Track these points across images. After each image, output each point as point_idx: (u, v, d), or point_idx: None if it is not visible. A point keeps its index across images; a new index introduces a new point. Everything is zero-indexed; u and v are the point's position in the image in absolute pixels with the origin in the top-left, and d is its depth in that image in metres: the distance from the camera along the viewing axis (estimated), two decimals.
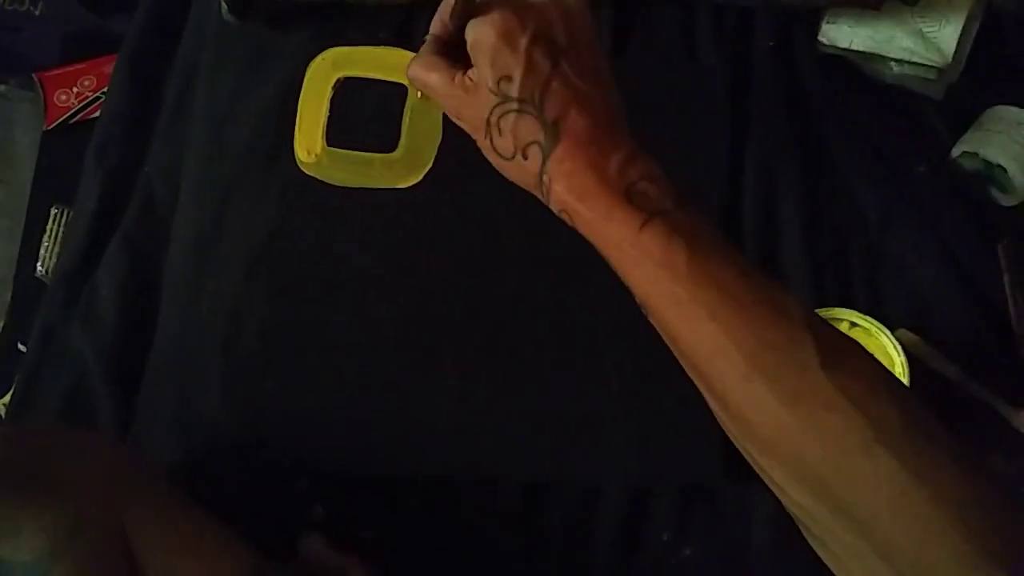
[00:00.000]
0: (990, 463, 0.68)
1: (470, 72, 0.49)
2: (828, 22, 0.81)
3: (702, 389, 0.46)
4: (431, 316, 0.70)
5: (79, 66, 0.83)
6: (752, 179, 0.76)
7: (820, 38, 0.81)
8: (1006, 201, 0.77)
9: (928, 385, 0.69)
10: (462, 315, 0.70)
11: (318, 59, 0.75)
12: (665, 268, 0.44)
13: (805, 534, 0.45)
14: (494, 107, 0.47)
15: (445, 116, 0.72)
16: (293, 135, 0.74)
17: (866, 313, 0.68)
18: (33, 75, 0.83)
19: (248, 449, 0.68)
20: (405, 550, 0.67)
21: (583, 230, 0.47)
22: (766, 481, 0.45)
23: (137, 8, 0.82)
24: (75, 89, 0.82)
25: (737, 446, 0.46)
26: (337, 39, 0.76)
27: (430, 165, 0.73)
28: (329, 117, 0.74)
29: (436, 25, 0.53)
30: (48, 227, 0.78)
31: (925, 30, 0.78)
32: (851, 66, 0.83)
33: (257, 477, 0.68)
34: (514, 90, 0.47)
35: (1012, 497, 0.40)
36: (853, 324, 0.68)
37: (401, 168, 0.73)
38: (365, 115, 0.74)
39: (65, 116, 0.81)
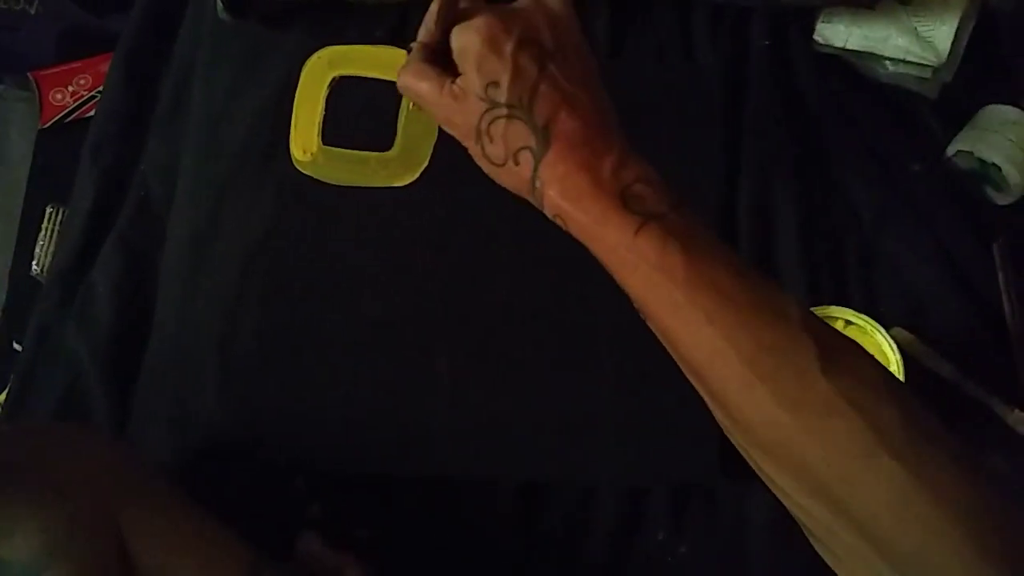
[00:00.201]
0: (988, 463, 0.69)
1: (459, 80, 0.49)
2: (823, 21, 0.81)
3: (702, 393, 0.46)
4: (427, 315, 0.70)
5: (74, 65, 0.83)
6: (748, 178, 0.77)
7: (815, 37, 0.82)
8: (1001, 200, 0.78)
9: (923, 384, 0.70)
10: (458, 314, 0.70)
11: (314, 58, 0.75)
12: (661, 272, 0.43)
13: (808, 535, 0.45)
14: (483, 113, 0.47)
15: None
16: (289, 134, 0.74)
17: (861, 312, 0.68)
18: (28, 74, 0.82)
19: (244, 448, 0.68)
20: (401, 549, 0.67)
21: (578, 235, 0.47)
22: (768, 484, 0.45)
23: (132, 7, 0.82)
24: (70, 88, 0.82)
25: (739, 449, 0.46)
26: (333, 38, 0.76)
27: (426, 164, 0.73)
28: (325, 116, 0.74)
29: (423, 32, 0.52)
30: (43, 226, 0.78)
31: (920, 29, 0.78)
32: (846, 65, 0.83)
33: (254, 476, 0.68)
34: (502, 95, 0.46)
35: (1011, 496, 0.40)
36: (848, 322, 0.68)
37: (397, 167, 0.73)
38: (361, 114, 0.74)
39: (60, 115, 0.81)
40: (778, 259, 0.75)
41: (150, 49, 0.80)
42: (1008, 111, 0.78)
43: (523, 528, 0.68)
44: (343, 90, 0.74)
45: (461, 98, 0.48)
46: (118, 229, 0.74)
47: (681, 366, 0.46)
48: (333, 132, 0.74)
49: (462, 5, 0.51)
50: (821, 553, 0.44)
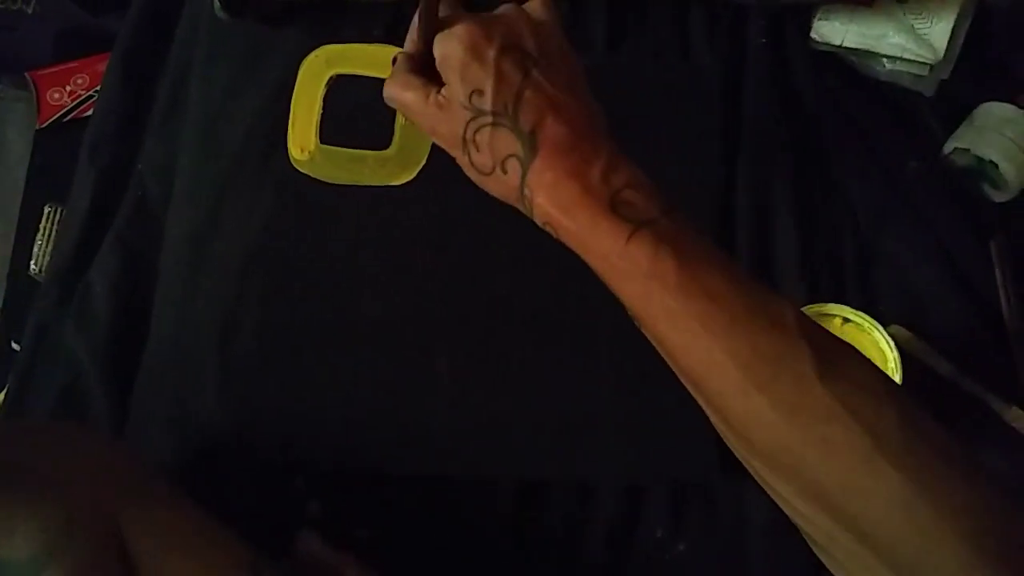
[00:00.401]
0: (987, 460, 0.69)
1: (443, 89, 0.48)
2: (820, 19, 0.81)
3: (699, 400, 0.46)
4: (426, 314, 0.70)
5: (72, 64, 0.83)
6: (746, 176, 0.77)
7: (812, 35, 0.82)
8: (998, 197, 0.78)
9: (921, 381, 0.70)
10: (457, 313, 0.70)
11: (311, 56, 0.75)
12: (654, 280, 0.43)
13: (808, 541, 0.45)
14: (468, 122, 0.47)
15: None
16: (287, 133, 0.73)
17: (859, 309, 0.68)
18: (26, 74, 0.82)
19: (243, 447, 0.68)
20: (401, 548, 0.67)
21: (568, 242, 0.46)
22: (767, 490, 0.44)
23: (130, 6, 0.82)
24: (68, 87, 0.82)
25: (737, 455, 0.46)
26: (330, 37, 0.76)
27: (423, 163, 0.73)
28: (323, 115, 0.74)
29: (408, 42, 0.52)
30: (41, 225, 0.78)
31: (917, 27, 0.78)
32: (843, 63, 0.83)
33: (253, 475, 0.68)
34: (487, 103, 0.46)
35: (1010, 495, 0.40)
36: (846, 320, 0.68)
37: (394, 166, 0.73)
38: (358, 112, 0.74)
39: (58, 114, 0.81)
40: (776, 257, 0.75)
41: (147, 49, 0.80)
42: (1005, 108, 0.78)
43: (522, 527, 0.68)
44: (341, 89, 0.74)
45: (446, 107, 0.48)
46: (116, 229, 0.74)
47: (677, 373, 0.46)
48: (331, 131, 0.74)
49: (442, 13, 0.50)
50: (822, 559, 0.44)
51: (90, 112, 0.80)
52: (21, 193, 0.80)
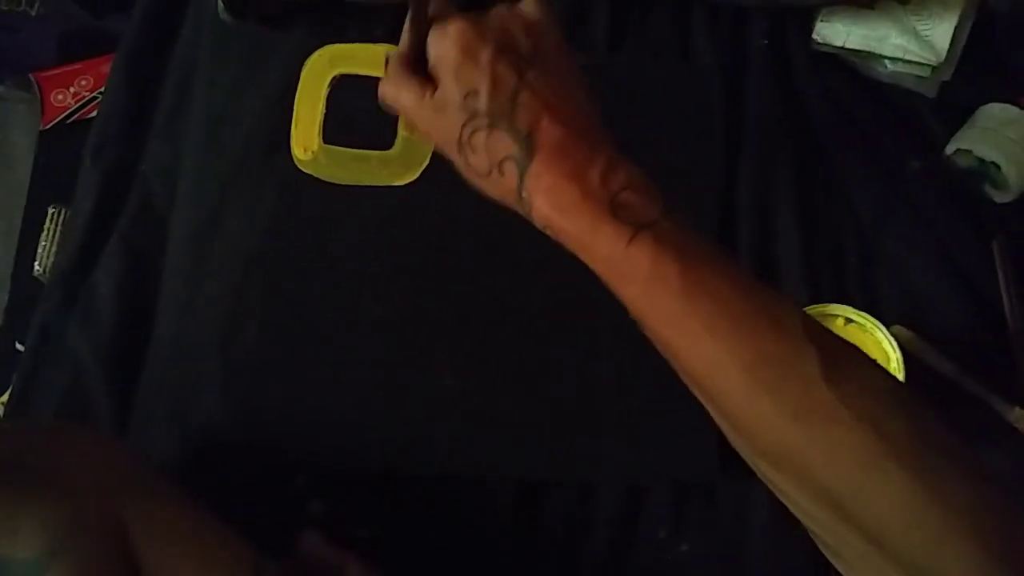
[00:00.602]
0: (990, 462, 0.69)
1: (438, 90, 0.48)
2: (822, 20, 0.81)
3: (704, 403, 0.45)
4: (428, 314, 0.70)
5: (76, 66, 0.83)
6: (747, 178, 0.77)
7: (814, 36, 0.82)
8: (1000, 198, 0.78)
9: (923, 382, 0.70)
10: (459, 313, 0.71)
11: (314, 56, 0.75)
12: (657, 283, 0.42)
13: (817, 542, 0.44)
14: (464, 124, 0.46)
15: None
16: (290, 133, 0.74)
17: (861, 310, 0.68)
18: (30, 75, 0.83)
19: (246, 446, 0.68)
20: (402, 548, 0.67)
21: (569, 245, 0.46)
22: (773, 490, 0.44)
23: (133, 7, 0.82)
24: (72, 89, 0.82)
25: (743, 457, 0.45)
26: (333, 37, 0.76)
27: (426, 163, 0.73)
28: (325, 115, 0.74)
29: (403, 41, 0.51)
30: (45, 226, 0.78)
31: (919, 28, 0.78)
32: (845, 64, 0.83)
33: (255, 475, 0.68)
34: (482, 105, 0.45)
35: (1015, 496, 0.39)
36: (848, 320, 0.68)
37: (397, 166, 0.73)
38: (361, 112, 0.74)
39: (62, 116, 0.81)
40: (778, 257, 0.75)
41: (151, 50, 0.80)
42: (1007, 109, 0.78)
43: (524, 527, 0.68)
44: (344, 89, 0.75)
45: (441, 109, 0.47)
46: (120, 230, 0.74)
47: (681, 375, 0.46)
48: (334, 131, 0.74)
49: (432, 11, 0.50)
50: (831, 559, 0.44)
51: (94, 114, 0.80)
52: (25, 194, 0.80)
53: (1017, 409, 0.69)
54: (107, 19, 0.86)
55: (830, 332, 0.43)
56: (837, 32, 0.80)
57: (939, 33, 0.78)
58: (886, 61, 0.80)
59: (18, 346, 0.75)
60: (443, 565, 0.67)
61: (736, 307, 0.42)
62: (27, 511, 0.46)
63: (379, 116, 0.73)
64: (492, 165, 0.46)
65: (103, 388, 0.70)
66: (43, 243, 0.78)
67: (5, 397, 0.72)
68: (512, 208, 0.48)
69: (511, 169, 0.46)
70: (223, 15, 0.75)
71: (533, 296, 0.71)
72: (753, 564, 0.68)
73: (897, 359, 0.66)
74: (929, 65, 0.78)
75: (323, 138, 0.73)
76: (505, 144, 0.45)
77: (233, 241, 0.72)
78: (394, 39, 0.76)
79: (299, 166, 0.73)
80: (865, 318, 0.67)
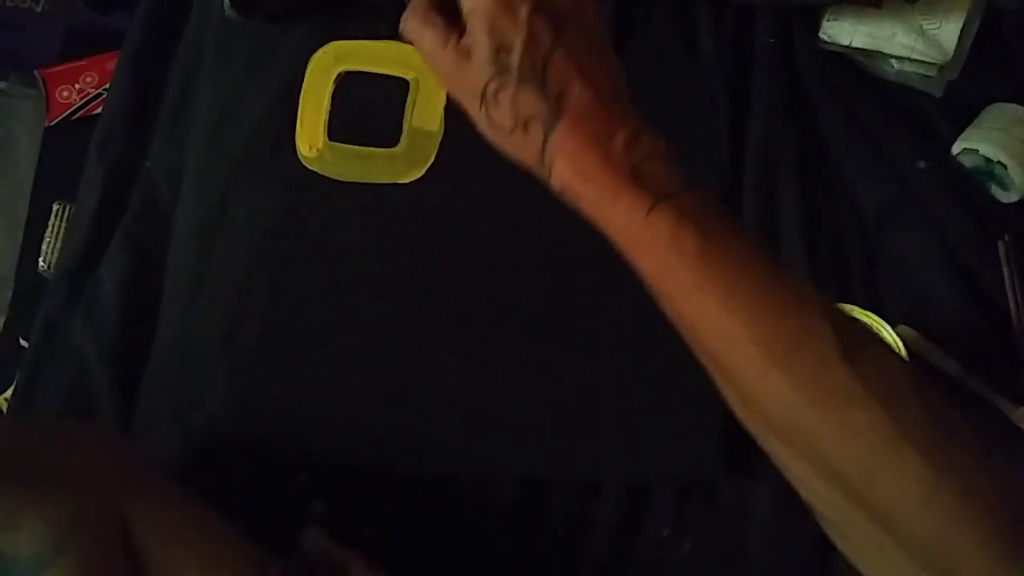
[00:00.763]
0: None
1: (466, 37, 0.46)
2: (829, 19, 0.81)
3: (716, 379, 0.44)
4: (431, 313, 0.70)
5: (81, 63, 0.83)
6: (751, 176, 0.76)
7: (820, 35, 0.81)
8: (1006, 198, 0.77)
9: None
10: (461, 312, 0.70)
11: (319, 53, 0.75)
12: (675, 254, 0.41)
13: (822, 522, 0.44)
14: (491, 78, 0.44)
15: (446, 111, 0.73)
16: (295, 130, 0.74)
17: (866, 309, 0.68)
18: (35, 72, 0.83)
19: (249, 444, 0.68)
20: (405, 545, 0.67)
21: (587, 212, 0.45)
22: (781, 469, 0.44)
23: (138, 5, 0.82)
24: (77, 85, 0.82)
25: (752, 433, 0.45)
26: (338, 34, 0.76)
27: (431, 160, 0.73)
28: (331, 112, 0.74)
29: None
30: (50, 223, 0.78)
31: (926, 27, 0.78)
32: (851, 63, 0.83)
33: (258, 472, 0.68)
34: (514, 61, 0.44)
35: None
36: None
37: (402, 163, 0.73)
38: (367, 110, 0.74)
39: (67, 112, 0.82)
40: (782, 256, 0.75)
41: (156, 47, 0.81)
42: (1013, 109, 0.77)
43: (526, 525, 0.68)
44: (349, 86, 0.74)
45: (466, 57, 0.45)
46: (124, 226, 0.75)
47: (694, 350, 0.45)
48: (339, 128, 0.74)
49: None
50: (833, 538, 0.44)
51: (99, 110, 0.81)
52: (29, 191, 0.80)
53: (1021, 409, 0.69)
54: (112, 16, 0.86)
55: (848, 314, 0.43)
56: (843, 31, 0.80)
57: (946, 32, 0.77)
58: (892, 60, 0.80)
59: (22, 342, 0.75)
60: (445, 564, 0.67)
61: (754, 282, 0.41)
62: (29, 508, 0.46)
63: (384, 114, 0.74)
64: (516, 123, 0.45)
65: (106, 385, 0.70)
66: (47, 240, 0.78)
67: (9, 393, 0.73)
68: (528, 168, 0.47)
69: (536, 129, 0.44)
70: (228, 12, 0.75)
71: (535, 296, 0.71)
72: (755, 563, 0.68)
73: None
74: (936, 64, 0.78)
75: (328, 135, 0.73)
76: (533, 103, 0.44)
77: (237, 238, 0.72)
78: (399, 36, 0.76)
79: (304, 163, 0.73)
80: (871, 317, 0.67)
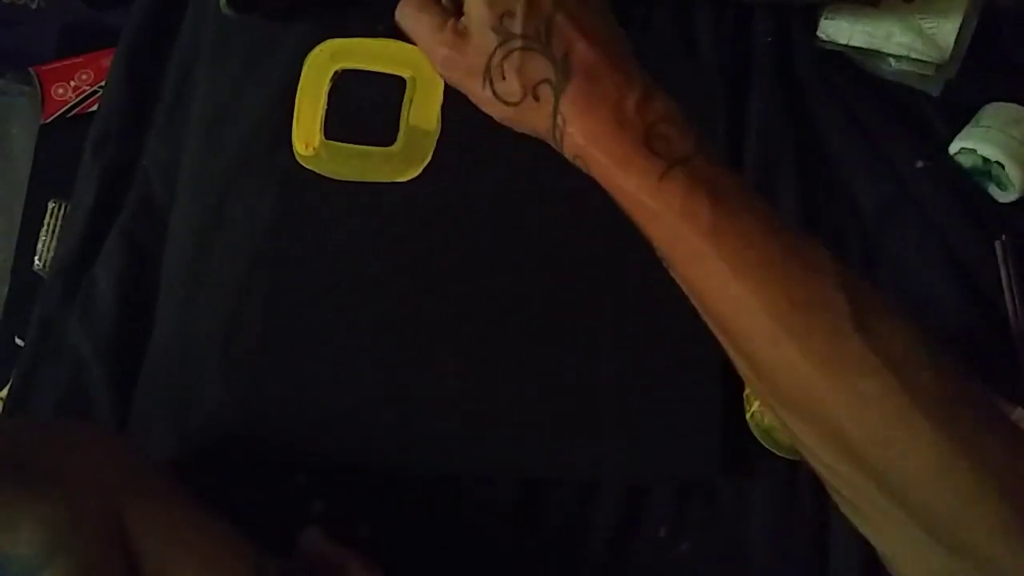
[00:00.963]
0: None
1: (463, 18, 0.46)
2: (826, 18, 0.81)
3: (727, 349, 0.44)
4: (430, 312, 0.70)
5: (76, 60, 0.83)
6: (749, 175, 0.76)
7: (818, 34, 0.81)
8: (1004, 198, 0.78)
9: None
10: (461, 311, 0.70)
11: (316, 51, 0.75)
12: (686, 221, 0.41)
13: (833, 495, 0.43)
14: (496, 47, 0.44)
15: (443, 109, 0.73)
16: (292, 128, 0.73)
17: None
18: (30, 69, 0.82)
19: (247, 443, 0.68)
20: (404, 545, 0.67)
21: (599, 177, 0.44)
22: (793, 440, 0.43)
23: (134, 1, 0.82)
24: (72, 83, 0.82)
25: (764, 405, 0.44)
26: (335, 32, 0.75)
27: (429, 159, 0.73)
28: (328, 110, 0.74)
29: None
30: (46, 221, 0.78)
31: (924, 26, 0.78)
32: (849, 62, 0.83)
33: (256, 472, 0.68)
34: (517, 26, 0.43)
35: None
36: None
37: (399, 162, 0.73)
38: (363, 108, 0.74)
39: (62, 110, 0.81)
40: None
41: (152, 44, 0.80)
42: (1011, 108, 0.78)
43: (525, 525, 0.68)
44: (345, 84, 0.74)
45: (465, 35, 0.46)
46: (120, 224, 0.74)
47: (705, 319, 0.44)
48: (336, 126, 0.73)
49: None
50: (849, 515, 0.43)
51: (94, 108, 0.80)
52: (25, 189, 0.79)
53: (1019, 409, 0.69)
54: (108, 13, 0.86)
55: (864, 282, 0.42)
56: (841, 30, 0.80)
57: (944, 31, 0.77)
58: (890, 59, 0.80)
59: (18, 341, 0.74)
60: (444, 563, 0.67)
61: (766, 249, 0.41)
62: (26, 508, 0.46)
63: (381, 112, 0.74)
64: (526, 90, 0.44)
65: (103, 384, 0.70)
66: (43, 238, 0.77)
67: (4, 392, 0.72)
68: (541, 138, 0.46)
69: (546, 93, 0.44)
70: (225, 10, 0.75)
71: (535, 295, 0.71)
72: (753, 563, 0.68)
73: None
74: (933, 63, 0.78)
75: (325, 134, 0.73)
76: (541, 67, 0.44)
77: (235, 237, 0.72)
78: (397, 34, 0.76)
79: (301, 162, 0.73)
80: None
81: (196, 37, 0.79)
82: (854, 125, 0.80)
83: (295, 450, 0.68)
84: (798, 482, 0.69)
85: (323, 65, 0.74)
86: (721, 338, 0.44)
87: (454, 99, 0.51)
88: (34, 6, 0.87)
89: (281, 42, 0.76)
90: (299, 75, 0.74)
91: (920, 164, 0.78)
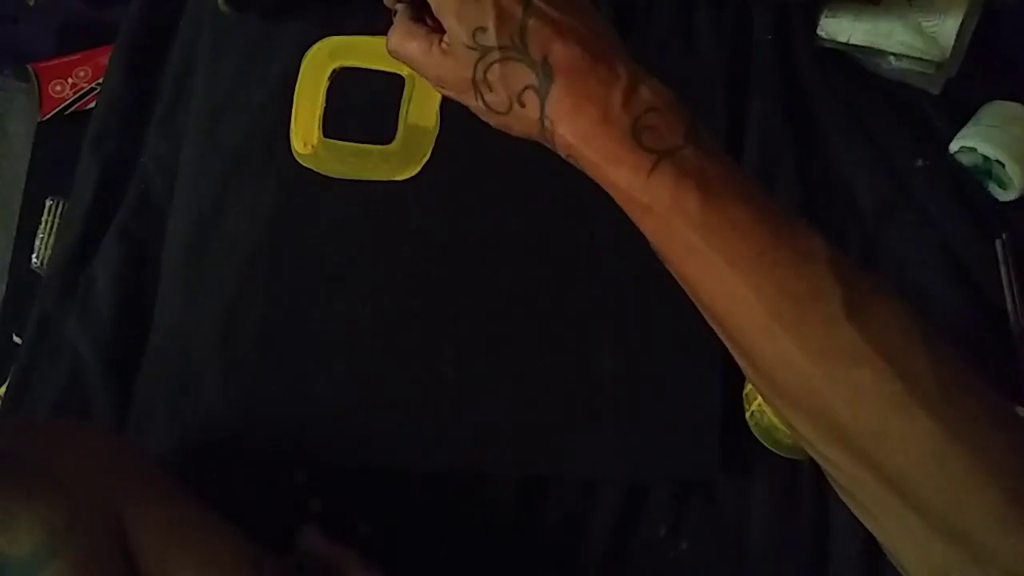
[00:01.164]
0: None
1: (445, 35, 0.46)
2: (827, 16, 0.81)
3: (723, 339, 0.44)
4: (429, 310, 0.70)
5: (74, 57, 0.83)
6: (749, 173, 0.75)
7: (819, 32, 0.81)
8: (1004, 196, 0.77)
9: None
10: (460, 309, 0.70)
11: (314, 49, 0.74)
12: (677, 215, 0.41)
13: (833, 485, 0.43)
14: (476, 62, 0.44)
15: (442, 107, 0.73)
16: (290, 126, 0.73)
17: None
18: (28, 66, 0.82)
19: (245, 441, 0.68)
20: (402, 544, 0.67)
21: (590, 173, 0.44)
22: (790, 431, 0.43)
23: None
24: (70, 80, 0.82)
25: (761, 396, 0.44)
26: (334, 29, 0.75)
27: (427, 157, 0.73)
28: (326, 108, 0.73)
29: None
30: (43, 218, 0.77)
31: (924, 24, 0.78)
32: (849, 60, 0.82)
33: (254, 470, 0.68)
34: (491, 40, 0.43)
35: None
36: None
37: (398, 160, 0.73)
38: (362, 106, 0.74)
39: (60, 107, 0.81)
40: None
41: (150, 42, 0.80)
42: (1012, 107, 0.77)
43: (524, 523, 0.68)
44: (344, 82, 0.74)
45: (450, 53, 0.46)
46: (118, 222, 0.74)
47: (700, 310, 0.44)
48: (334, 125, 0.73)
49: None
50: (846, 501, 0.43)
51: (92, 105, 0.80)
52: (23, 186, 0.79)
53: (1019, 408, 0.69)
54: (106, 10, 0.86)
55: (856, 268, 0.41)
56: (842, 28, 0.80)
57: (944, 29, 0.77)
58: (891, 57, 0.80)
59: (15, 339, 0.74)
60: (443, 561, 0.67)
61: (759, 240, 0.40)
62: (25, 507, 0.46)
63: (380, 110, 0.73)
64: (512, 98, 0.44)
65: (101, 381, 0.70)
66: (41, 235, 0.77)
67: (2, 390, 0.72)
68: (539, 142, 0.46)
69: (531, 98, 0.44)
70: (223, 7, 0.74)
71: (534, 293, 0.71)
72: (753, 562, 0.68)
73: None
74: (934, 62, 0.78)
75: (323, 132, 0.73)
76: (523, 74, 0.44)
77: (233, 235, 0.72)
78: None
79: (299, 160, 0.73)
80: None
81: (194, 35, 0.79)
82: (854, 123, 0.80)
83: (294, 448, 0.68)
84: (798, 481, 0.69)
85: (321, 63, 0.74)
86: (718, 331, 0.44)
87: None
88: (32, 3, 0.87)
89: (279, 40, 0.76)
90: (297, 72, 0.74)
91: (920, 162, 0.78)
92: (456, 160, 0.73)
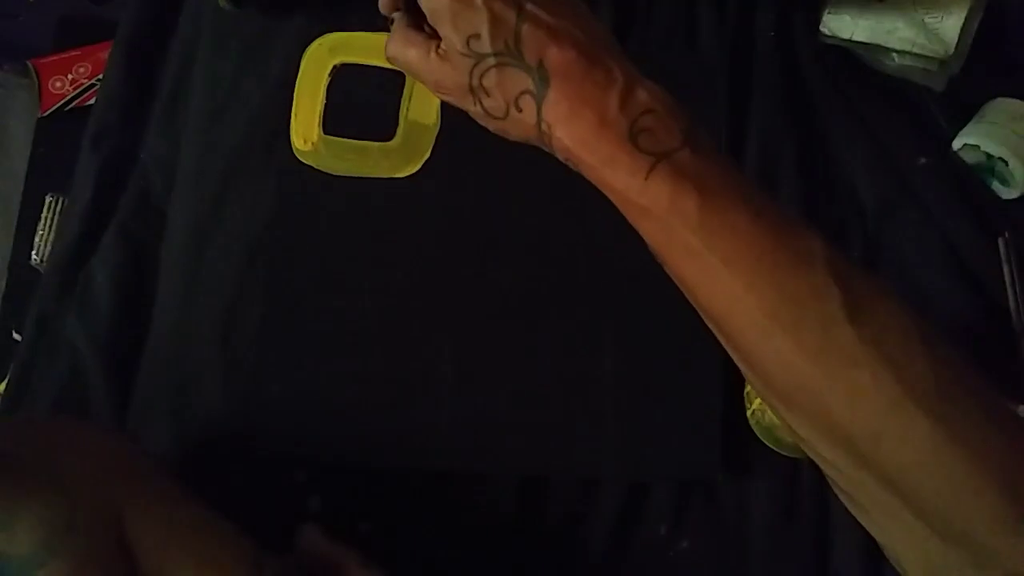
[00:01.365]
0: None
1: (443, 42, 0.46)
2: (830, 13, 0.80)
3: (721, 340, 0.44)
4: (429, 308, 0.70)
5: (74, 52, 0.82)
6: (751, 171, 0.76)
7: (822, 29, 0.81)
8: (1007, 194, 0.77)
9: None
10: (460, 306, 0.70)
11: (314, 45, 0.74)
12: (675, 217, 0.41)
13: (832, 485, 0.43)
14: (472, 69, 0.45)
15: (443, 104, 0.73)
16: (290, 123, 0.73)
17: None
18: (27, 61, 0.82)
19: (245, 440, 0.68)
20: (402, 543, 0.67)
21: (588, 176, 0.44)
22: (789, 432, 0.43)
23: None
24: (70, 76, 0.81)
25: (760, 397, 0.44)
26: (334, 26, 0.75)
27: (428, 154, 0.73)
28: (326, 105, 0.73)
29: None
30: (43, 215, 0.77)
31: (927, 21, 0.77)
32: (852, 57, 0.82)
33: (254, 468, 0.68)
34: (485, 46, 0.44)
35: None
36: None
37: (398, 157, 0.73)
38: (362, 103, 0.73)
39: (60, 103, 0.81)
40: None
41: (150, 38, 0.80)
42: (1015, 104, 0.77)
43: (525, 522, 0.68)
44: (344, 79, 0.74)
45: (447, 59, 0.46)
46: (118, 219, 0.74)
47: (699, 311, 0.44)
48: (335, 121, 0.73)
49: None
50: (845, 502, 0.43)
51: (92, 101, 0.80)
52: (22, 183, 0.79)
53: (1022, 407, 0.69)
54: (105, 6, 0.85)
55: (857, 269, 0.41)
56: (845, 24, 0.79)
57: (948, 26, 0.77)
58: (894, 54, 0.80)
59: (15, 336, 0.74)
60: (443, 560, 0.67)
61: (757, 242, 0.40)
62: (23, 507, 0.46)
63: (380, 107, 0.73)
64: (508, 104, 0.45)
65: (101, 379, 0.70)
66: (40, 232, 0.77)
67: (2, 387, 0.72)
68: (538, 146, 0.46)
69: (528, 103, 0.44)
70: (223, 3, 0.74)
71: (535, 291, 0.71)
72: (753, 561, 0.68)
73: None
74: (937, 59, 0.77)
75: (323, 129, 0.73)
76: (518, 79, 0.44)
77: (233, 232, 0.71)
78: None
79: (299, 157, 0.72)
80: None
81: (194, 31, 0.78)
82: (856, 121, 0.79)
83: (293, 446, 0.68)
84: (798, 480, 0.69)
85: (322, 59, 0.74)
86: (716, 332, 0.44)
87: None
88: None
89: (279, 36, 0.75)
90: (297, 69, 0.74)
91: (923, 160, 0.77)
92: (457, 158, 0.72)
